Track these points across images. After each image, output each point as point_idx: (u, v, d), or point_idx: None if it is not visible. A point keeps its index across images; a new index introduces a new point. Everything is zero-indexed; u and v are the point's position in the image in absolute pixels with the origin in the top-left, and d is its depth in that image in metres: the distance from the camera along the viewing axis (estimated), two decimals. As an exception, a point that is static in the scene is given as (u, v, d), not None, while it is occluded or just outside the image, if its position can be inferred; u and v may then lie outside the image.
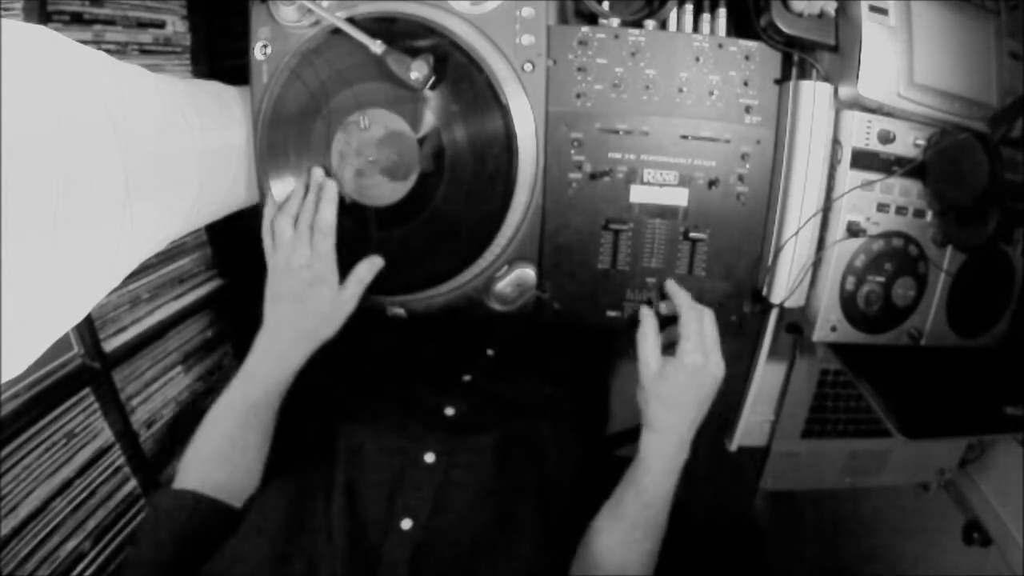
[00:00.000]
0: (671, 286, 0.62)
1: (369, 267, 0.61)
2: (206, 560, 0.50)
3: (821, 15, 0.59)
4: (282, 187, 0.64)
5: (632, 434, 0.60)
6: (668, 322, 0.61)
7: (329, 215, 0.58)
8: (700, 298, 0.64)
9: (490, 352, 0.76)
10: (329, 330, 0.60)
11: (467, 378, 0.70)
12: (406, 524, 0.53)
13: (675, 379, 0.55)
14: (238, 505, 0.56)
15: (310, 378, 0.62)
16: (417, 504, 0.55)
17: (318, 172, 0.61)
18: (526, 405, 0.68)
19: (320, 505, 0.54)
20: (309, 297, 0.58)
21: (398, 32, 0.59)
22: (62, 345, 0.66)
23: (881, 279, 0.65)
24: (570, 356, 0.82)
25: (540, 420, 0.66)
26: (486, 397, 0.67)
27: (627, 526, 0.55)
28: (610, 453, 0.79)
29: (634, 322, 0.60)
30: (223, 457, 0.57)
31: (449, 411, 0.64)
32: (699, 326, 0.57)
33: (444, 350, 0.75)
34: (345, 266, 0.61)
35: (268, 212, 0.61)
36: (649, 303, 0.65)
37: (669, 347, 0.59)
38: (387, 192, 0.62)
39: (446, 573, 0.51)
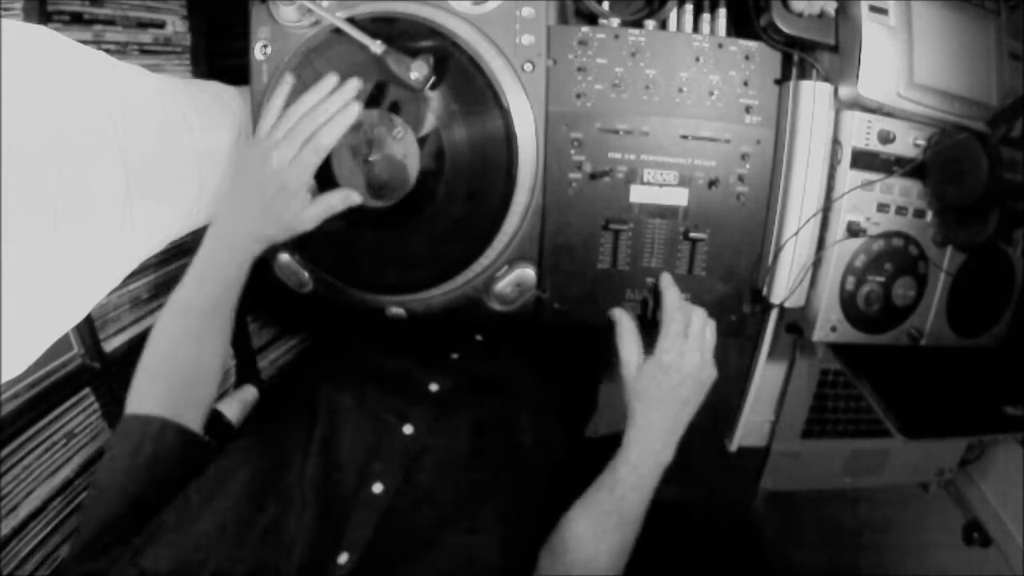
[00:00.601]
0: (664, 282, 0.62)
1: (343, 197, 0.59)
2: (170, 489, 0.49)
3: (821, 15, 0.59)
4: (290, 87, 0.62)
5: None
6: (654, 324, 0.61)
7: (333, 135, 0.55)
8: (700, 298, 0.64)
9: (479, 337, 0.77)
10: (282, 236, 0.59)
11: (455, 356, 0.71)
12: (377, 488, 0.53)
13: (652, 377, 0.56)
14: (197, 424, 0.56)
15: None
16: (390, 471, 0.55)
17: (354, 85, 0.56)
18: (509, 389, 0.68)
19: (297, 459, 0.54)
20: (272, 200, 0.56)
21: (398, 32, 0.59)
22: (62, 345, 0.66)
23: (881, 279, 0.65)
24: (558, 347, 0.82)
25: (520, 405, 0.66)
26: (471, 377, 0.67)
27: (599, 516, 0.56)
28: (599, 447, 0.80)
29: (612, 323, 0.61)
30: (181, 363, 0.56)
31: (433, 387, 0.64)
32: (681, 326, 0.57)
33: (435, 331, 0.75)
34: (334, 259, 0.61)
35: (280, 94, 0.58)
36: (645, 302, 0.65)
37: None
38: (355, 187, 0.61)
39: (410, 540, 0.52)
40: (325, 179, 0.60)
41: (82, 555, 0.47)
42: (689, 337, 0.57)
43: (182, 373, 0.56)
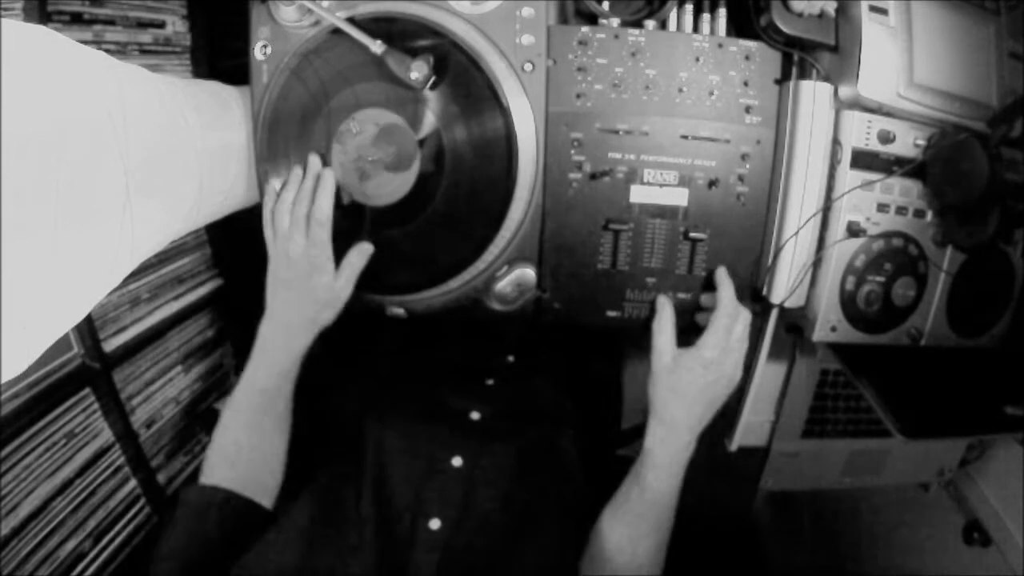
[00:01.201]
0: (721, 275, 0.62)
1: (359, 253, 0.62)
2: (236, 558, 0.50)
3: (821, 15, 0.59)
4: (281, 185, 0.64)
5: (639, 432, 0.60)
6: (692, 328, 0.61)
7: (326, 206, 0.59)
8: (700, 298, 0.64)
9: (511, 358, 0.77)
10: (329, 315, 0.61)
11: (490, 382, 0.71)
12: (435, 524, 0.54)
13: (689, 371, 0.56)
14: (267, 503, 0.58)
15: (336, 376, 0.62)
16: (446, 505, 0.56)
17: (315, 161, 0.61)
18: (546, 413, 0.69)
19: (351, 501, 0.55)
20: (307, 285, 0.59)
21: (398, 32, 0.59)
22: (62, 345, 0.66)
23: (881, 279, 0.65)
24: (586, 361, 0.83)
25: (560, 428, 0.67)
26: (509, 402, 0.68)
27: (634, 521, 0.56)
28: (617, 452, 0.80)
29: (652, 311, 0.60)
30: (244, 449, 0.58)
31: (475, 415, 0.65)
32: (729, 323, 0.57)
33: (467, 353, 0.77)
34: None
35: (268, 202, 0.62)
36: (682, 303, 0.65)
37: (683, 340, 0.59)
38: (395, 186, 0.62)
39: (471, 574, 0.52)
40: (358, 217, 0.64)
41: None
42: (733, 336, 0.57)
43: (247, 459, 0.59)
